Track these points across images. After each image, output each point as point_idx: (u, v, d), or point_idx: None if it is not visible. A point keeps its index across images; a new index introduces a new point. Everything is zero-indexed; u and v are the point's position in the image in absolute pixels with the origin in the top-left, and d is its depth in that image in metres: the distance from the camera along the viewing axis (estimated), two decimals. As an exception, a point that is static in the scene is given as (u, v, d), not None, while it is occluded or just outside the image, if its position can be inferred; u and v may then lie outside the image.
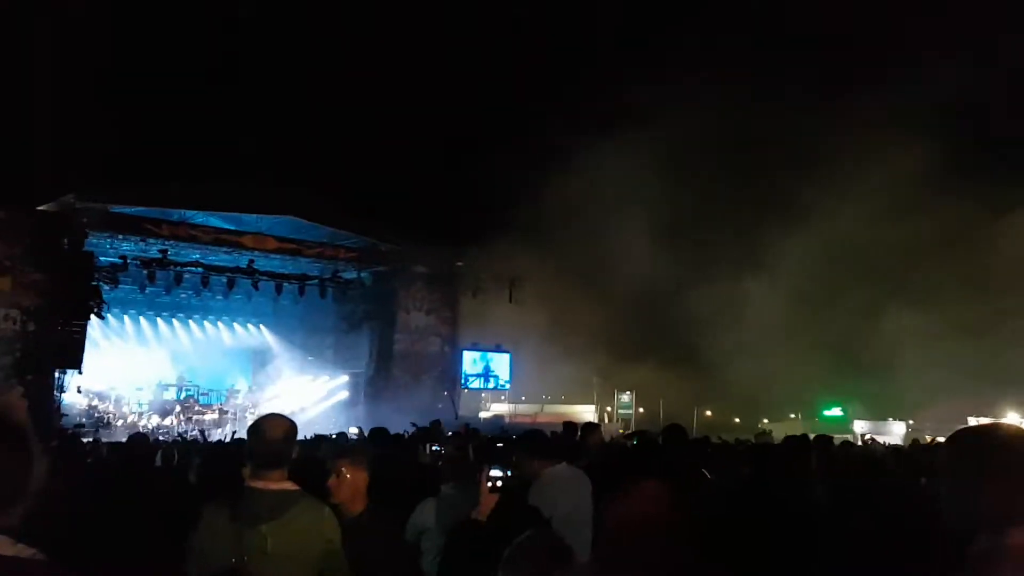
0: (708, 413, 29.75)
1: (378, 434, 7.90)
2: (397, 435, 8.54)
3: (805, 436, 7.07)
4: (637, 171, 24.62)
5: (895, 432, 28.92)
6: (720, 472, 4.98)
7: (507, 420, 23.69)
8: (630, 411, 30.05)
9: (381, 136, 31.35)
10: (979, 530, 1.48)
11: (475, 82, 31.66)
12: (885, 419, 30.22)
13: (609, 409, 30.16)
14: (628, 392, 30.33)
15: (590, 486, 4.02)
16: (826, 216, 25.80)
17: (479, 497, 3.10)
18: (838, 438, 9.55)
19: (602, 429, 7.31)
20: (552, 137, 27.38)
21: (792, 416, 32.53)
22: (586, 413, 26.94)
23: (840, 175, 27.91)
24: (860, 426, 30.75)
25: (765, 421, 30.00)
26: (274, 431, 2.90)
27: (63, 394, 18.65)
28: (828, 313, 28.13)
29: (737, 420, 31.76)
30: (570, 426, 6.60)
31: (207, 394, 25.42)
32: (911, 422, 29.11)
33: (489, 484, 3.05)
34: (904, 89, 25.19)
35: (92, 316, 18.78)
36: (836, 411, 31.70)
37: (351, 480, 3.27)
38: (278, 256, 21.99)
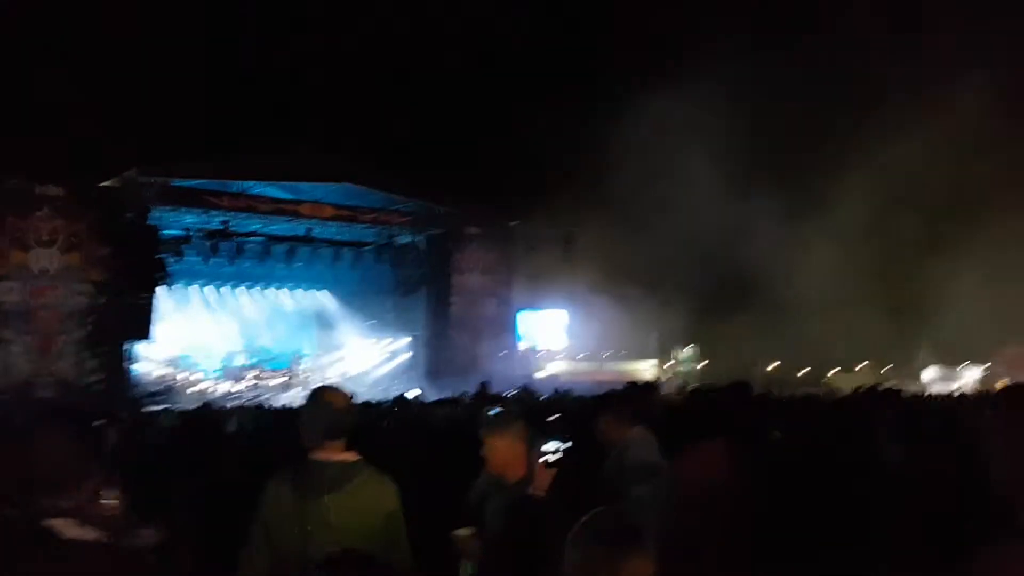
0: (772, 366, 29.24)
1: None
2: (452, 399, 8.61)
3: (874, 388, 6.85)
4: (693, 122, 23.98)
5: (970, 377, 28.04)
6: (787, 430, 4.86)
7: (564, 379, 23.73)
8: (692, 366, 29.78)
9: (430, 99, 31.23)
10: None
11: (524, 39, 31.16)
12: (959, 364, 29.33)
13: (670, 363, 29.95)
14: (689, 347, 30.04)
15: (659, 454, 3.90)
16: (890, 157, 24.83)
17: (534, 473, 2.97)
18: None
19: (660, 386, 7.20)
20: (605, 91, 26.84)
21: (859, 367, 31.81)
22: (646, 369, 26.81)
23: (901, 114, 26.72)
24: (930, 373, 29.91)
25: (832, 373, 29.43)
26: (334, 402, 2.92)
27: (134, 364, 19.37)
28: (896, 257, 27.24)
29: (802, 373, 31.17)
30: (633, 385, 6.49)
31: (274, 359, 26.09)
32: (988, 365, 28.17)
33: (542, 460, 2.93)
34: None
35: (159, 288, 19.38)
36: (905, 358, 30.88)
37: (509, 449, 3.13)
38: (335, 223, 22.28)
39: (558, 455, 2.92)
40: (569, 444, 3.01)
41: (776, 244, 24.68)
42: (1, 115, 22.01)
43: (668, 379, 26.42)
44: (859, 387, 6.97)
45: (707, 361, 30.74)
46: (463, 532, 3.07)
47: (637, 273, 24.49)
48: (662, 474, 3.71)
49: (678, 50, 25.26)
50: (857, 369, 31.10)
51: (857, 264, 26.16)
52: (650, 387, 6.30)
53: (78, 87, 23.93)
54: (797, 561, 3.12)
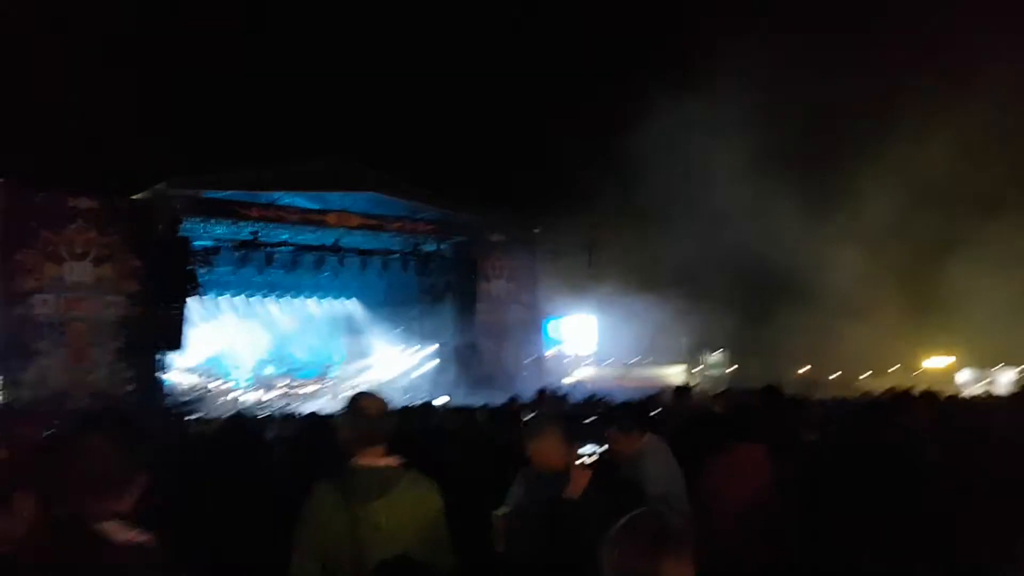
0: (803, 370, 28.93)
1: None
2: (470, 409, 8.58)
3: (908, 391, 6.77)
4: (718, 124, 23.85)
5: (1004, 379, 27.53)
6: (821, 432, 4.82)
7: (592, 385, 23.66)
8: (721, 370, 29.54)
9: (453, 107, 31.38)
10: None
11: (548, 47, 31.23)
12: (993, 367, 28.79)
13: (698, 368, 29.72)
14: (718, 351, 29.81)
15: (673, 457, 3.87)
16: (924, 157, 24.48)
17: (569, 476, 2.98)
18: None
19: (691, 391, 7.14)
20: (628, 95, 26.80)
21: (892, 369, 31.35)
22: (675, 374, 26.63)
23: (937, 112, 26.34)
24: (964, 376, 29.40)
25: (863, 376, 29.03)
26: (371, 409, 2.95)
27: (167, 374, 19.64)
28: (929, 258, 26.81)
29: (833, 376, 30.79)
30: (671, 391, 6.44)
31: (303, 368, 26.33)
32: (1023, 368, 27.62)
33: (578, 462, 2.93)
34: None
35: (190, 298, 19.64)
36: (939, 361, 30.39)
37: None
38: (361, 232, 22.46)
39: (593, 458, 2.94)
40: (604, 448, 3.02)
41: (805, 247, 24.44)
42: (34, 130, 22.48)
43: (697, 384, 26.24)
44: (892, 388, 6.90)
45: (736, 366, 30.49)
46: (500, 511, 3.17)
47: (664, 278, 24.38)
48: (677, 483, 3.70)
49: (702, 51, 25.16)
50: (890, 372, 30.68)
51: (889, 266, 25.82)
52: (683, 391, 6.27)
53: (108, 102, 24.40)
54: (835, 562, 3.10)
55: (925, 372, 30.66)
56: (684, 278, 24.75)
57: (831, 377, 30.44)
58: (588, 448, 2.97)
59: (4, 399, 16.96)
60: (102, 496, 1.76)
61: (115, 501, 1.78)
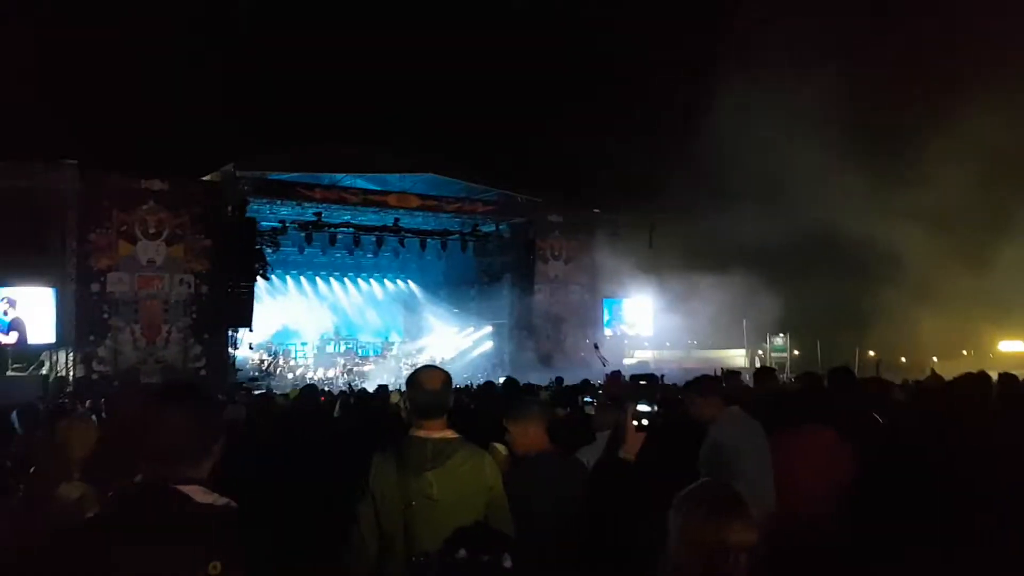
0: (871, 353, 28.12)
1: (511, 385, 7.99)
2: (530, 385, 8.62)
3: (984, 373, 6.50)
4: (782, 100, 23.18)
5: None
6: (892, 416, 4.67)
7: (652, 367, 23.48)
8: (784, 354, 28.95)
9: (513, 87, 31.28)
10: None
11: (604, 25, 30.80)
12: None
13: (761, 352, 29.19)
14: (781, 334, 29.21)
15: (764, 434, 3.80)
16: (1000, 138, 23.39)
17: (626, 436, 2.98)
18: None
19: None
20: (689, 76, 26.28)
21: (964, 352, 30.28)
22: (736, 357, 26.22)
23: (1013, 85, 25.08)
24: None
25: (935, 359, 28.04)
26: (432, 382, 2.98)
27: (236, 351, 20.21)
28: (1005, 238, 25.67)
29: (904, 359, 29.88)
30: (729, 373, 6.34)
31: (365, 347, 26.85)
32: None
33: (635, 422, 2.92)
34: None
35: (258, 278, 20.15)
36: (1015, 345, 29.21)
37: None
38: (420, 213, 22.69)
39: (645, 419, 2.90)
40: (657, 408, 2.98)
41: (874, 227, 23.67)
42: (106, 114, 23.26)
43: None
44: (967, 373, 6.62)
45: (797, 351, 29.84)
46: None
47: (725, 259, 23.90)
48: (756, 455, 3.62)
49: (764, 25, 24.45)
50: (963, 355, 29.63)
51: (962, 245, 24.82)
52: (765, 373, 6.11)
53: (178, 85, 25.08)
54: (905, 543, 3.01)
55: (999, 356, 29.51)
56: (747, 259, 24.23)
57: (901, 360, 29.56)
58: (643, 407, 2.91)
59: (80, 374, 17.73)
60: (183, 462, 1.87)
61: (195, 468, 1.88)
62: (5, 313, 17.35)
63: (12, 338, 17.38)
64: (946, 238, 24.35)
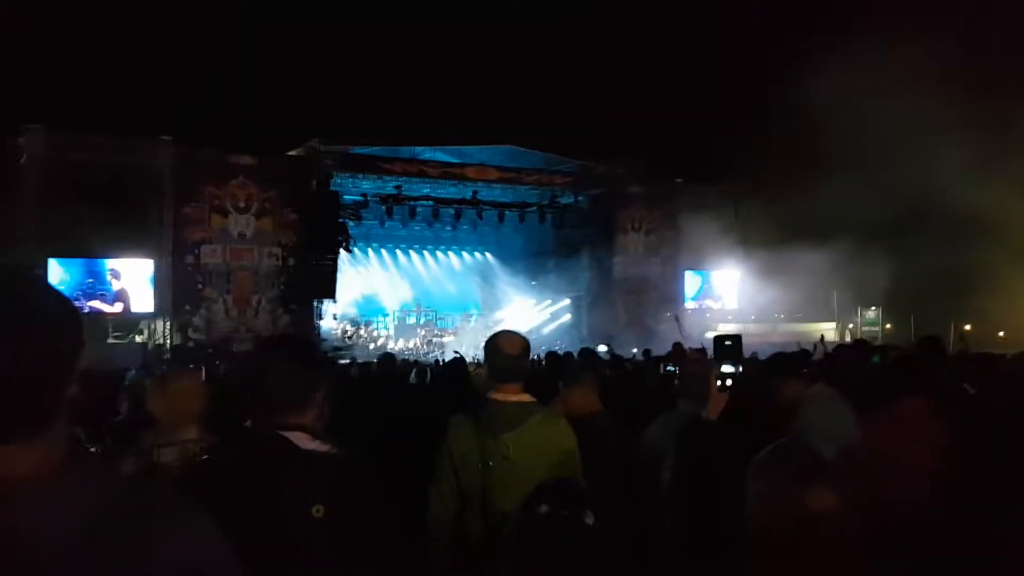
0: (967, 327, 26.81)
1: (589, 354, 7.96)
2: (587, 350, 8.57)
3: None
4: (873, 66, 22.08)
5: None
6: (984, 386, 4.45)
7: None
8: (876, 328, 27.88)
9: (593, 56, 30.78)
10: None
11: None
12: None
13: (852, 326, 28.19)
14: (873, 308, 28.14)
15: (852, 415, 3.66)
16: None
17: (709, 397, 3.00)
18: None
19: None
20: (774, 42, 25.25)
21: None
22: (826, 331, 25.37)
23: None
24: None
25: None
26: (510, 347, 3.00)
27: (321, 321, 20.83)
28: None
29: (1002, 334, 28.37)
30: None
31: (443, 318, 27.26)
32: None
33: (719, 383, 2.89)
34: None
35: (341, 250, 20.67)
36: None
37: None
38: (499, 185, 22.76)
39: (729, 380, 2.89)
40: (741, 369, 2.97)
41: (975, 197, 22.42)
42: (196, 91, 24.10)
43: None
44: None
45: (890, 325, 28.66)
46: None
47: (813, 230, 23.08)
48: (848, 434, 3.50)
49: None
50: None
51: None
52: (863, 345, 5.91)
53: (261, 64, 25.75)
54: (1001, 514, 2.88)
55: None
56: (837, 231, 23.34)
57: (999, 335, 28.06)
58: (727, 367, 2.90)
59: (177, 342, 18.62)
60: (288, 410, 1.97)
61: (299, 415, 1.98)
62: (111, 284, 18.35)
63: (118, 308, 18.39)
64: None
